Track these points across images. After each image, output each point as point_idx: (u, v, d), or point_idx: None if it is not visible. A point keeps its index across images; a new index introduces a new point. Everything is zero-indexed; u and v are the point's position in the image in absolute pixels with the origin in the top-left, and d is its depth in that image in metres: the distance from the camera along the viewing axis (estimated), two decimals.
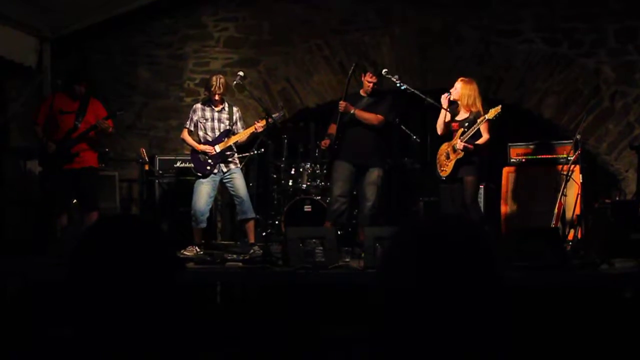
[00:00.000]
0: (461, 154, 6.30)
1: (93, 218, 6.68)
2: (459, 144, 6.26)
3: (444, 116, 6.51)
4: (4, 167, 7.82)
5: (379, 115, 6.74)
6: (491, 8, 8.30)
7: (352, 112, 6.73)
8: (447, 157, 6.43)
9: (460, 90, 6.39)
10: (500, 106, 6.18)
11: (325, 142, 6.99)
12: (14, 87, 8.20)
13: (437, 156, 6.54)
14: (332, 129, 7.01)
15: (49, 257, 6.00)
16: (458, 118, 6.45)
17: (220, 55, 8.70)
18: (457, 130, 6.41)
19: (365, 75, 6.86)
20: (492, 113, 6.15)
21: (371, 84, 6.80)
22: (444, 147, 6.49)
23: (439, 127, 6.56)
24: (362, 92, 6.93)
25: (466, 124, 6.33)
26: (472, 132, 6.22)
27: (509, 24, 8.28)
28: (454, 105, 6.49)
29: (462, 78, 6.51)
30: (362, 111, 6.76)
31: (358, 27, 8.53)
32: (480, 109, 6.33)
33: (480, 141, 6.29)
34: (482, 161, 6.44)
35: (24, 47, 7.81)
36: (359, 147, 6.77)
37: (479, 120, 6.21)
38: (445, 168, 6.43)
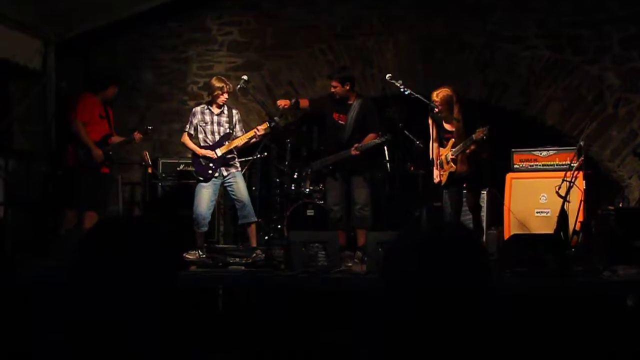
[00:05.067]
0: (454, 167, 6.31)
1: (94, 219, 6.79)
2: (450, 154, 6.29)
3: (437, 148, 6.50)
4: (7, 168, 7.84)
5: (372, 134, 6.75)
6: (495, 14, 8.30)
7: (360, 151, 6.70)
8: (441, 166, 6.44)
9: (440, 102, 6.31)
10: (487, 127, 6.07)
11: (285, 102, 6.99)
12: (18, 89, 8.21)
13: (435, 161, 6.54)
14: (304, 102, 7.15)
15: (55, 259, 6.03)
16: (448, 128, 6.44)
17: (224, 59, 8.71)
18: (449, 140, 6.40)
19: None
20: (479, 134, 6.09)
21: (331, 88, 6.85)
22: (441, 153, 6.49)
23: (435, 153, 6.54)
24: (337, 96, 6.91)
25: (455, 134, 6.34)
26: (463, 149, 6.24)
27: (513, 30, 8.27)
28: (438, 114, 6.44)
29: (439, 90, 6.37)
30: (363, 146, 6.68)
31: (362, 32, 8.54)
32: (459, 116, 6.29)
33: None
34: (480, 172, 6.47)
35: (29, 50, 7.82)
36: (343, 162, 6.83)
37: (467, 142, 6.18)
38: (440, 177, 6.46)
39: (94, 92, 7.17)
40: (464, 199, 6.58)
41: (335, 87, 6.81)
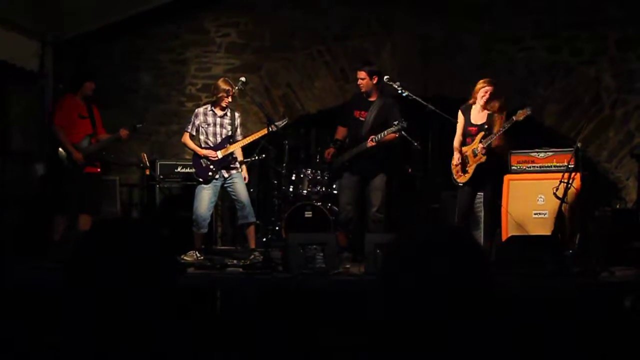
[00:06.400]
0: (483, 158, 6.30)
1: (89, 221, 6.76)
2: (480, 147, 6.28)
3: (461, 129, 6.50)
4: (4, 169, 7.83)
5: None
6: (492, 15, 8.31)
7: (376, 142, 6.58)
8: (467, 162, 6.41)
9: (491, 93, 6.32)
10: (529, 108, 6.25)
11: (330, 152, 6.96)
12: (16, 91, 8.19)
13: (453, 164, 6.50)
14: (340, 132, 7.02)
15: (52, 261, 6.02)
16: (474, 122, 6.43)
17: (221, 61, 8.71)
18: (475, 135, 6.39)
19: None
20: (520, 115, 6.19)
21: (358, 81, 6.74)
22: (463, 151, 6.47)
23: (457, 141, 6.51)
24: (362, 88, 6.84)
25: (486, 127, 6.33)
26: (495, 136, 6.25)
27: (510, 31, 8.28)
28: (468, 110, 6.46)
29: (487, 80, 6.42)
30: (384, 138, 6.60)
31: (359, 33, 8.55)
32: (497, 110, 6.34)
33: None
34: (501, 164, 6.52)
35: (26, 51, 7.81)
36: (364, 159, 6.73)
37: (506, 124, 6.22)
38: (464, 174, 6.42)
39: (73, 93, 7.06)
40: (483, 194, 6.58)
41: (362, 79, 6.69)
